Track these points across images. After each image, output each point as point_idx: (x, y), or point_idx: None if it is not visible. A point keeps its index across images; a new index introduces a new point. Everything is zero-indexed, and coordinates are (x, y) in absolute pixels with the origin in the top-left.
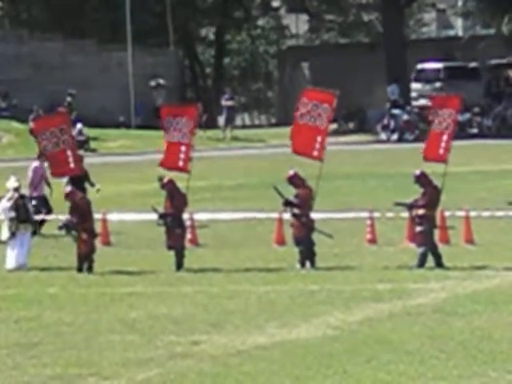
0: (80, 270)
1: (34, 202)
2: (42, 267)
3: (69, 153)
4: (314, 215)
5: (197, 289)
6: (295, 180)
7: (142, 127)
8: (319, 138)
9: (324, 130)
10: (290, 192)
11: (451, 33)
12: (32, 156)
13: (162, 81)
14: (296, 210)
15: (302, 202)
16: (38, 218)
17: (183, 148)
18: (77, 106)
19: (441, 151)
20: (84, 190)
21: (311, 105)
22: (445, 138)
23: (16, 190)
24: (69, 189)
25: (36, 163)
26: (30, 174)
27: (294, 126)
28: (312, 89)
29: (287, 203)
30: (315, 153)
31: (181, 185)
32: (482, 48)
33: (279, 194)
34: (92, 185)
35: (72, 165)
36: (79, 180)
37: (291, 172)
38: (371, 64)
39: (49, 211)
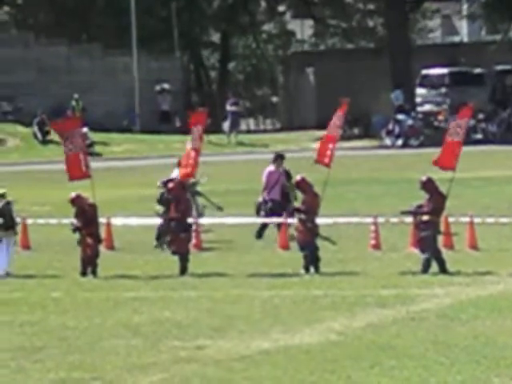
0: (84, 274)
1: (269, 205)
2: (46, 271)
3: (81, 156)
4: (318, 220)
5: (200, 293)
6: (302, 185)
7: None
8: (331, 145)
9: (334, 136)
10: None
11: (456, 39)
12: (36, 160)
13: (167, 86)
14: (302, 216)
15: (309, 208)
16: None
17: (192, 154)
18: (84, 110)
19: (456, 161)
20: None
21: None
22: (461, 147)
23: (1, 196)
24: (74, 194)
25: (270, 167)
26: (263, 178)
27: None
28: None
29: (294, 210)
30: (326, 159)
31: None
32: (488, 54)
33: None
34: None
35: (84, 168)
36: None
37: (298, 177)
38: (376, 69)
39: (280, 215)
